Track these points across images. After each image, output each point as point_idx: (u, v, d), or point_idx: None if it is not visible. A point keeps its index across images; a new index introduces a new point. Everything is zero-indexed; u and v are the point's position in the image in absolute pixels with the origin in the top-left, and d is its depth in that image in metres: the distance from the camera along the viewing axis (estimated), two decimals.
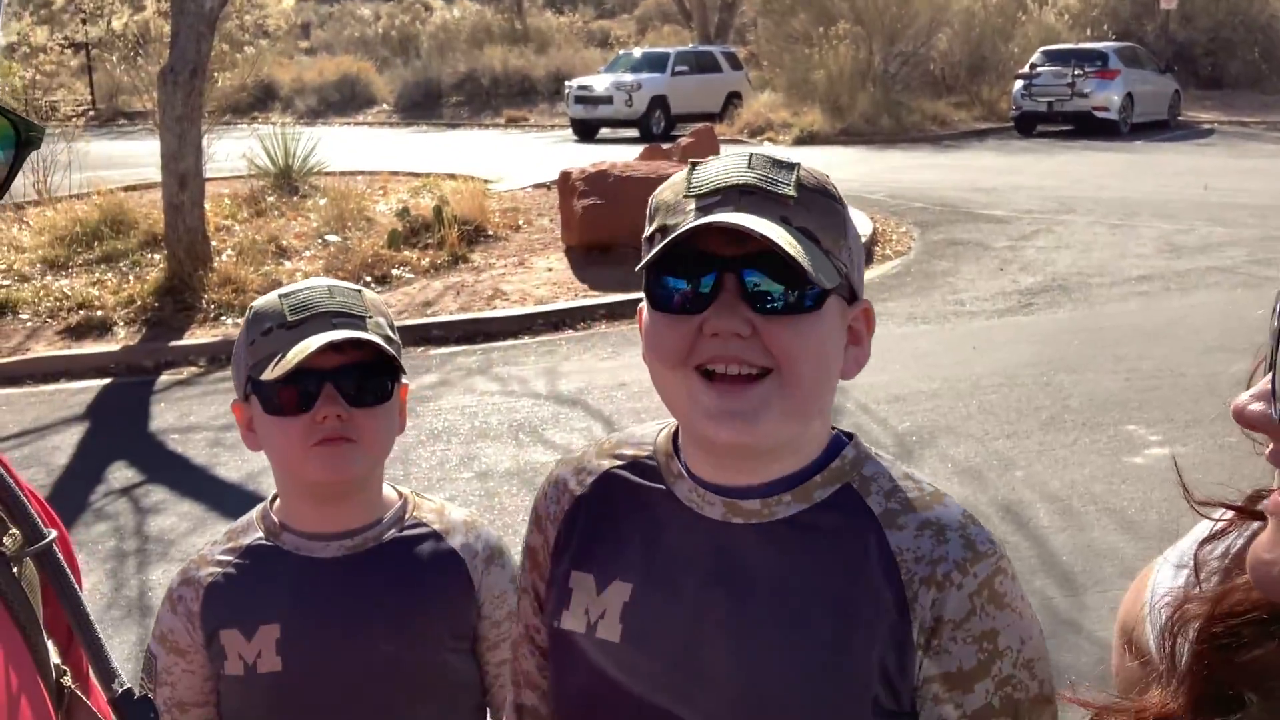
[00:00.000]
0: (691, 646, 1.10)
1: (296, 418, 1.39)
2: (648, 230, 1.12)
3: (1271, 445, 0.75)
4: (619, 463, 1.21)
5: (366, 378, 1.42)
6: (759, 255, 1.02)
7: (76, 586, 0.92)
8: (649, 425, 1.26)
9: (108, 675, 0.90)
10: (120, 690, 0.90)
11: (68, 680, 0.92)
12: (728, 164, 1.08)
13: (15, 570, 0.89)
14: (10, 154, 0.85)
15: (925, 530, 1.07)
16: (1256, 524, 0.84)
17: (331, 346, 1.37)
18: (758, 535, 1.10)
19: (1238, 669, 0.81)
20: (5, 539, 0.89)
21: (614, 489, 1.20)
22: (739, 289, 1.03)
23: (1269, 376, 0.73)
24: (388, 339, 1.45)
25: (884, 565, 1.06)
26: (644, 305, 1.14)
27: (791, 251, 0.99)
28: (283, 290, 1.46)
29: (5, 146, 0.85)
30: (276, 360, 1.37)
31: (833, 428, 1.16)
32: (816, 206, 1.07)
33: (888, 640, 1.05)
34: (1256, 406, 0.73)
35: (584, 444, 1.34)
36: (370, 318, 1.44)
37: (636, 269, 1.08)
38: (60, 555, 0.92)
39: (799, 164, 1.09)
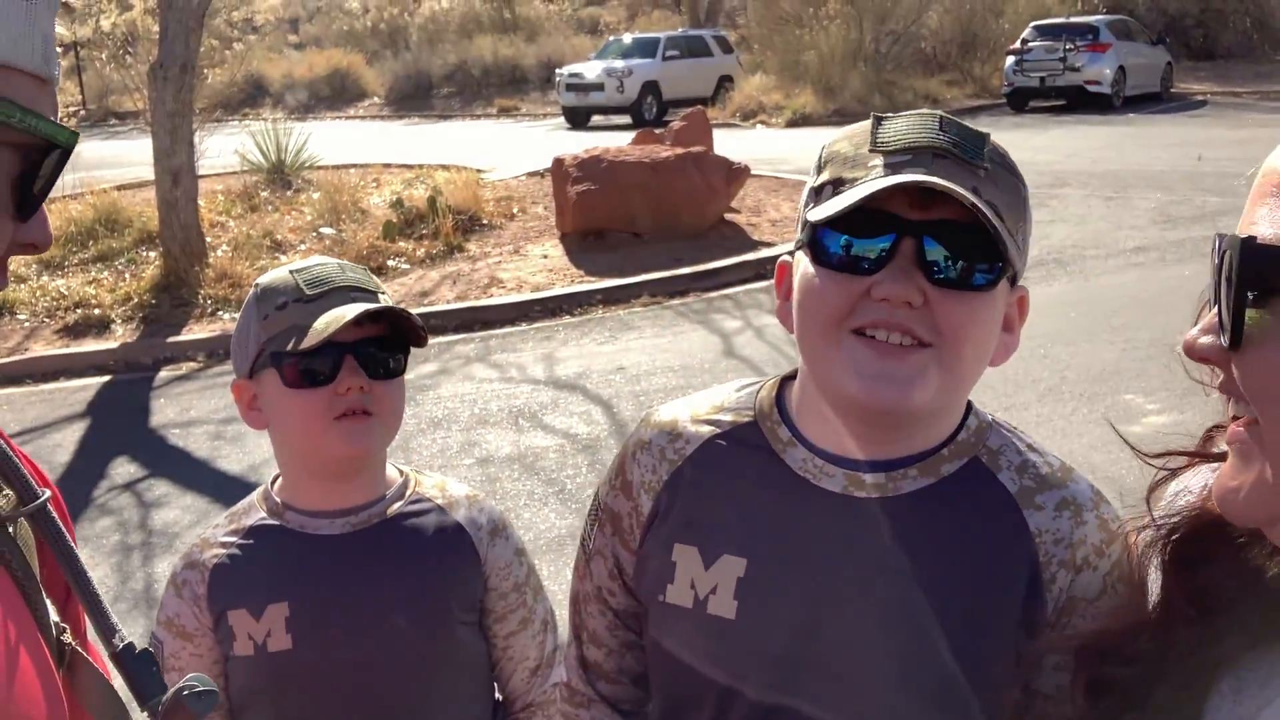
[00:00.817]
0: (812, 625, 1.06)
1: (318, 391, 1.39)
2: (816, 180, 1.06)
3: (1222, 376, 0.77)
4: (718, 430, 1.15)
5: (384, 350, 1.43)
6: (941, 224, 0.98)
7: (72, 544, 0.93)
8: (738, 384, 1.21)
9: (108, 630, 0.91)
10: (121, 645, 0.90)
11: (68, 637, 0.92)
12: (919, 122, 1.02)
13: (10, 530, 0.90)
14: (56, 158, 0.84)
15: (1063, 511, 1.06)
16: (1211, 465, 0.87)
17: (356, 320, 1.37)
18: (883, 510, 1.06)
19: (1201, 583, 0.84)
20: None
21: (716, 457, 1.14)
22: (916, 256, 0.98)
23: (1214, 310, 0.75)
24: None
25: (1021, 545, 1.05)
26: (792, 260, 1.09)
27: (995, 225, 0.95)
28: (292, 266, 1.45)
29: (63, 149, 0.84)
30: (298, 334, 1.37)
31: None
32: (1004, 182, 1.02)
33: (1020, 617, 1.04)
34: (1206, 339, 0.76)
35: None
36: (381, 292, 1.45)
37: (817, 218, 1.00)
38: (55, 514, 0.93)
39: (989, 135, 1.04)
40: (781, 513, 1.09)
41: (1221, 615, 0.82)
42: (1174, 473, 0.97)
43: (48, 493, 0.94)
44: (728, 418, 1.16)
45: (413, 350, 1.48)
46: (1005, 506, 1.06)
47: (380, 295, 1.45)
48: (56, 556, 0.92)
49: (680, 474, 1.15)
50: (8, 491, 0.91)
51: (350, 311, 1.37)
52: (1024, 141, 16.91)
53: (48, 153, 0.81)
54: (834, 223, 1.00)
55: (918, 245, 0.98)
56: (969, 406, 1.13)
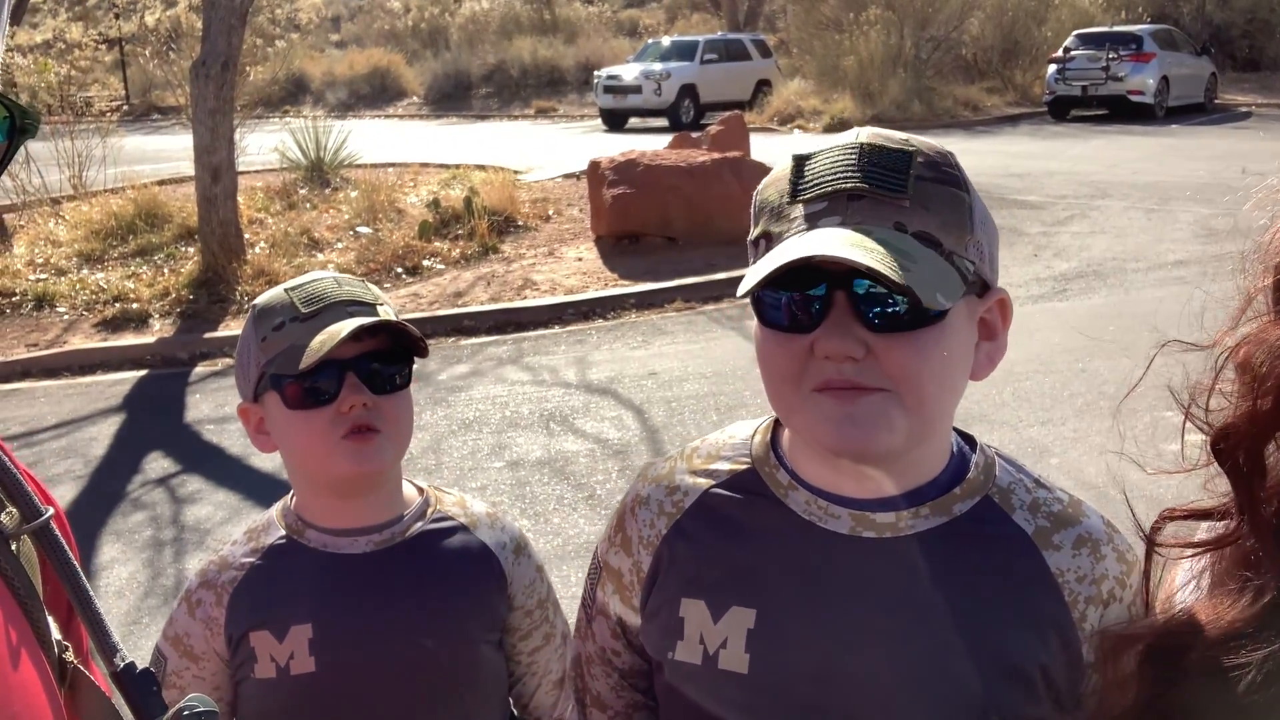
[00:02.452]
0: (829, 672, 1.03)
1: (321, 410, 1.36)
2: (753, 233, 1.03)
3: None
4: (714, 480, 1.12)
5: (386, 364, 1.40)
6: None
7: (75, 562, 0.93)
8: (732, 430, 1.18)
9: (109, 649, 0.90)
10: (123, 664, 0.90)
11: (70, 655, 0.92)
12: (835, 161, 0.98)
13: (13, 547, 0.89)
14: (4, 141, 0.85)
15: (1081, 548, 1.05)
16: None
17: (353, 335, 1.34)
18: (894, 550, 1.03)
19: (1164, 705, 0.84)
20: (3, 517, 0.90)
21: (716, 508, 1.11)
22: (851, 305, 0.95)
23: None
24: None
25: (1044, 586, 1.03)
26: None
27: (898, 278, 0.89)
28: (287, 285, 1.43)
29: (0, 133, 0.85)
30: (297, 354, 1.35)
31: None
32: (936, 201, 0.97)
33: (1059, 659, 1.03)
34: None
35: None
36: (380, 304, 1.42)
37: (741, 294, 0.96)
38: (58, 531, 0.93)
39: (915, 151, 0.98)
40: (788, 558, 1.06)
41: None
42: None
43: (51, 510, 0.93)
44: (724, 466, 1.13)
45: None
46: (1023, 547, 1.04)
47: (379, 307, 1.41)
48: (59, 574, 0.92)
49: (680, 528, 1.12)
50: (11, 509, 0.91)
51: (345, 327, 1.34)
52: (1064, 151, 16.77)
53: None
54: (772, 279, 0.95)
55: (849, 293, 0.94)
56: (974, 442, 1.11)
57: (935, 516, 1.04)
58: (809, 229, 0.95)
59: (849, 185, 0.96)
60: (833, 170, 0.97)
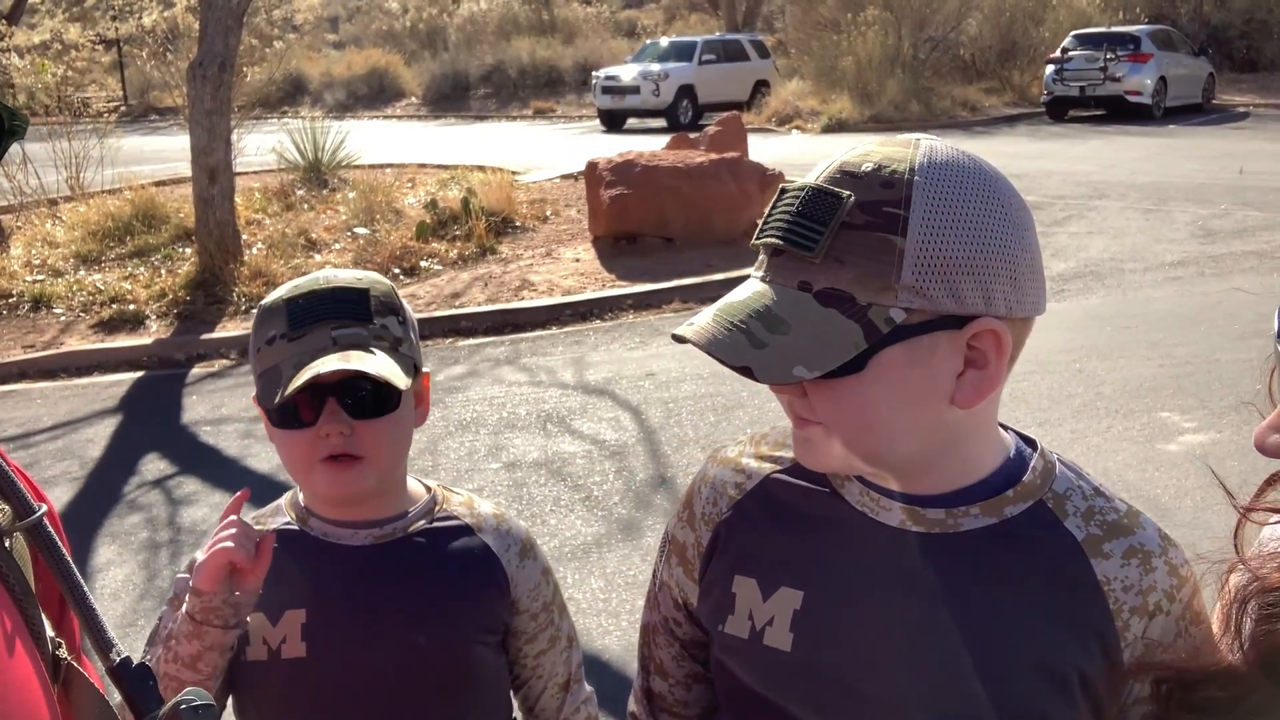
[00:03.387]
0: (868, 661, 1.06)
1: (303, 431, 1.37)
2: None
3: None
4: (779, 466, 1.18)
5: (370, 389, 1.37)
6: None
7: (69, 559, 0.93)
8: None
9: (105, 645, 0.91)
10: (119, 659, 0.90)
11: (63, 652, 0.92)
12: (783, 206, 1.01)
13: (6, 544, 0.90)
14: None
15: (1131, 559, 1.05)
16: None
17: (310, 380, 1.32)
18: (942, 546, 1.06)
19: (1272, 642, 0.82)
20: None
21: (777, 492, 1.16)
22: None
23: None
24: (395, 342, 1.39)
25: (1090, 593, 1.04)
26: None
27: (734, 361, 0.97)
28: (290, 290, 1.40)
29: None
30: (278, 377, 1.34)
31: (1009, 429, 1.13)
32: (856, 253, 0.96)
33: (1099, 665, 1.04)
34: (1276, 438, 0.74)
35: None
36: (375, 322, 1.38)
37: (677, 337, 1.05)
38: (51, 529, 0.93)
39: (846, 198, 0.97)
40: (839, 546, 1.10)
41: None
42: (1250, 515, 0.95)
43: (44, 507, 0.93)
44: (788, 454, 1.17)
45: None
46: (1071, 553, 1.05)
47: (373, 324, 1.38)
48: (53, 571, 0.92)
49: (741, 508, 1.18)
50: (4, 506, 0.91)
51: (308, 373, 1.31)
52: (1063, 151, 16.78)
53: None
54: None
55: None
56: (1037, 446, 1.11)
57: (985, 516, 1.07)
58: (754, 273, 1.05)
59: (774, 240, 1.01)
60: (773, 219, 1.02)
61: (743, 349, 0.97)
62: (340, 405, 1.36)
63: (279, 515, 1.50)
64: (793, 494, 1.15)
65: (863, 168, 0.99)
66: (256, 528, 1.46)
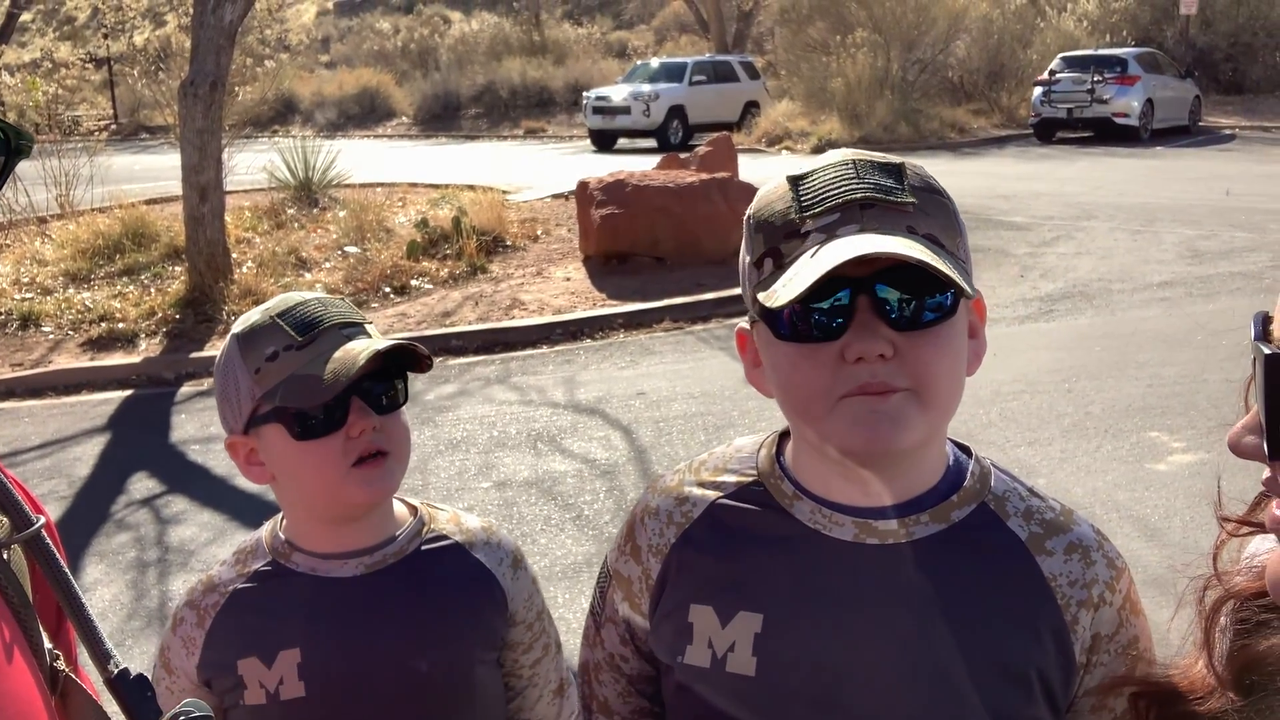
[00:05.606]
0: (834, 676, 1.06)
1: (330, 439, 1.33)
2: (753, 254, 1.05)
3: (1269, 473, 0.75)
4: (722, 492, 1.16)
5: (384, 383, 1.38)
6: (886, 269, 0.98)
7: (67, 570, 0.93)
8: (739, 443, 1.22)
9: (103, 656, 0.91)
10: (116, 670, 0.90)
11: (61, 663, 0.92)
12: (835, 175, 1.02)
13: (5, 556, 0.89)
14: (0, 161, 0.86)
15: (1073, 554, 1.09)
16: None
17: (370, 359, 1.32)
18: (897, 557, 1.07)
19: (1253, 655, 0.83)
20: None
21: (725, 518, 1.15)
22: (874, 307, 0.99)
23: (1257, 408, 0.74)
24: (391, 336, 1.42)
25: (1039, 591, 1.07)
26: (750, 333, 1.10)
27: (944, 268, 0.95)
28: (270, 309, 1.38)
29: None
30: (300, 383, 1.31)
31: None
32: (933, 207, 1.02)
33: (1054, 661, 1.06)
34: (1250, 439, 0.75)
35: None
36: (369, 323, 1.41)
37: (779, 304, 0.97)
38: (49, 541, 0.93)
39: (903, 163, 1.04)
40: (795, 566, 1.09)
41: (1273, 694, 0.79)
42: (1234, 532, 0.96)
43: (42, 519, 0.93)
44: (731, 479, 1.17)
45: (432, 372, 1.45)
46: (1017, 553, 1.08)
47: (366, 325, 1.40)
48: (51, 582, 0.92)
49: (689, 536, 1.16)
50: (2, 519, 0.91)
51: (358, 351, 1.31)
52: (1051, 173, 16.87)
53: None
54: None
55: (872, 297, 0.99)
56: (969, 451, 1.15)
57: (934, 524, 1.08)
58: (827, 239, 0.99)
59: (860, 195, 1.00)
60: (836, 183, 1.01)
61: (946, 265, 0.96)
62: (364, 402, 1.35)
63: (259, 553, 1.45)
64: (741, 518, 1.14)
65: (876, 154, 1.05)
66: (238, 569, 1.45)
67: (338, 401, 1.33)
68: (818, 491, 1.10)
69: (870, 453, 1.02)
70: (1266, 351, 0.72)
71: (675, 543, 1.17)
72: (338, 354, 1.32)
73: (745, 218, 1.08)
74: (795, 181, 1.03)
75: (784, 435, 1.19)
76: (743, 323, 1.13)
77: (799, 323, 1.01)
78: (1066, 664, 1.07)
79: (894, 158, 1.04)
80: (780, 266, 1.01)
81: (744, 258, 1.08)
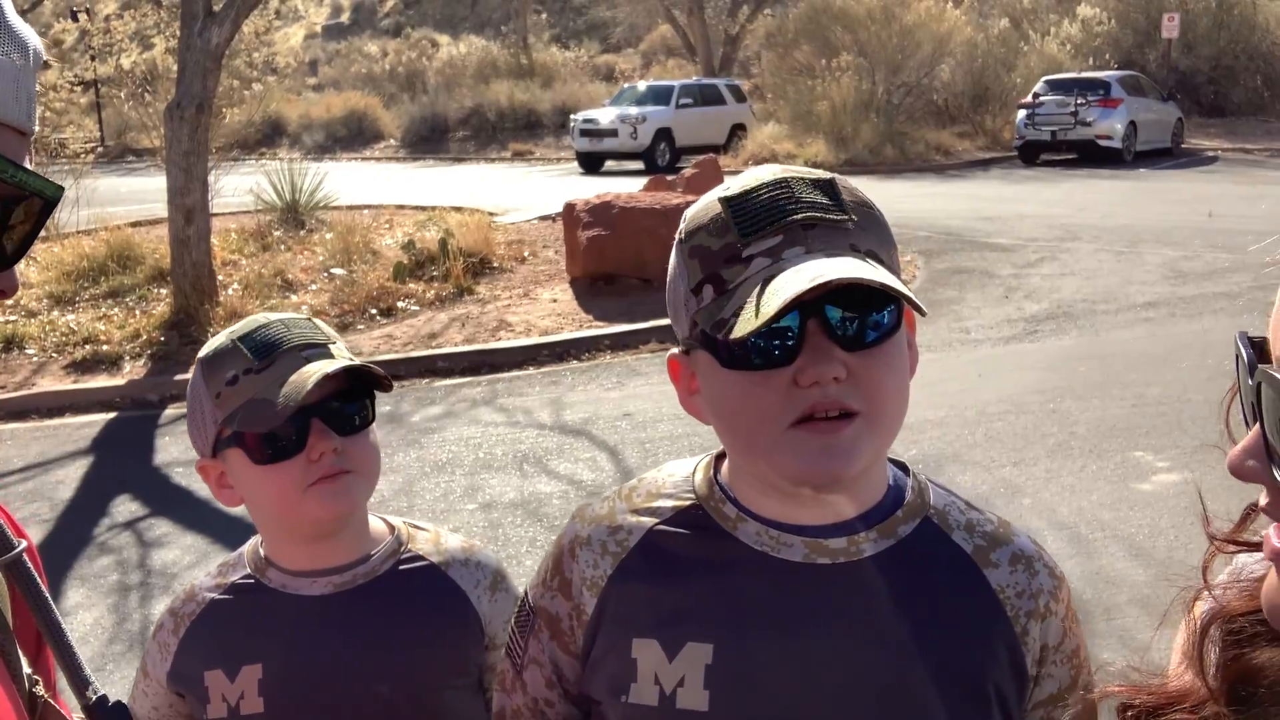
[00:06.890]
0: (794, 702, 1.02)
1: (290, 462, 1.33)
2: (689, 280, 1.00)
3: (1268, 500, 0.75)
4: (659, 518, 1.10)
5: (347, 403, 1.37)
6: (834, 289, 0.94)
7: (48, 595, 0.92)
8: (670, 468, 1.16)
9: (81, 683, 0.90)
10: (94, 697, 0.89)
11: (40, 689, 0.91)
12: (771, 195, 0.98)
13: None
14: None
15: (1017, 565, 1.08)
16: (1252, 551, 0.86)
17: (318, 382, 1.30)
18: (848, 575, 1.04)
19: (1248, 668, 0.83)
20: None
21: (664, 544, 1.08)
22: (825, 330, 0.96)
23: (1256, 428, 0.73)
24: (354, 355, 1.41)
25: (988, 603, 1.06)
26: (684, 359, 1.06)
27: (900, 288, 0.93)
28: (234, 332, 1.38)
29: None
30: (257, 407, 1.31)
31: None
32: (869, 223, 1.01)
33: (1007, 674, 1.06)
34: (1251, 463, 0.74)
35: (598, 495, 1.24)
36: (332, 343, 1.39)
37: (735, 336, 0.93)
38: (30, 565, 0.92)
39: (834, 178, 1.02)
40: (742, 591, 1.04)
41: (1259, 708, 0.79)
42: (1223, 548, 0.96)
43: (24, 543, 0.92)
44: (667, 504, 1.11)
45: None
46: (964, 566, 1.07)
47: (331, 346, 1.38)
48: (31, 608, 0.91)
49: (625, 567, 1.09)
50: None
51: (310, 375, 1.30)
52: (1035, 195, 16.97)
53: (19, 203, 0.82)
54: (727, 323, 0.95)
55: (822, 319, 0.96)
56: (906, 467, 1.13)
57: (883, 540, 1.06)
58: (774, 263, 0.95)
59: (801, 216, 0.97)
60: (773, 204, 0.98)
61: (885, 275, 0.95)
62: (325, 424, 1.34)
63: (239, 566, 1.46)
64: (682, 544, 1.08)
65: (807, 170, 1.03)
66: (217, 580, 1.46)
67: (295, 423, 1.32)
68: (762, 512, 1.06)
69: (822, 485, 1.00)
70: (1277, 375, 0.71)
71: (612, 574, 1.09)
72: (293, 377, 1.31)
73: (676, 241, 1.04)
74: (729, 203, 0.99)
75: (720, 457, 1.14)
76: (674, 350, 1.08)
77: (748, 350, 0.97)
78: (1019, 676, 1.06)
79: (824, 173, 1.02)
80: (723, 293, 0.97)
81: (677, 283, 1.03)
